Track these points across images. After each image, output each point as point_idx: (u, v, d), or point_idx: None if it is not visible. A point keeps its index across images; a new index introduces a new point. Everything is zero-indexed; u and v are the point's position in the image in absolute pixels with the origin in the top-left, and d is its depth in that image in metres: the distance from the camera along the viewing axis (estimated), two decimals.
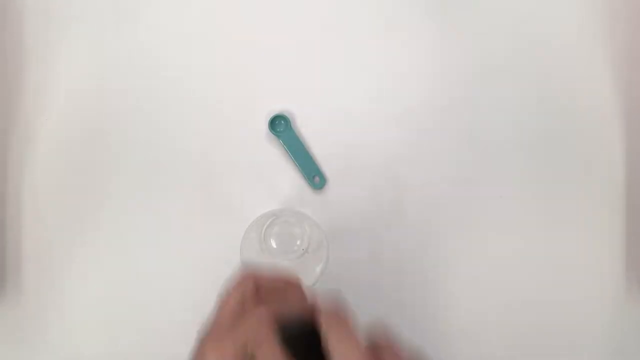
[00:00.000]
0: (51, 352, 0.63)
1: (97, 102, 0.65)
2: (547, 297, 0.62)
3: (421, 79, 0.66)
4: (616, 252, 0.64)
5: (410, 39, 0.66)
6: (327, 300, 0.35)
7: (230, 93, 0.65)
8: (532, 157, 0.65)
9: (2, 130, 0.64)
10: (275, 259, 0.50)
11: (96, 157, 0.64)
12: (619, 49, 0.66)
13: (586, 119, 0.66)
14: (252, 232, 0.54)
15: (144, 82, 0.65)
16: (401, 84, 0.66)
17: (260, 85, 0.65)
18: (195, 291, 0.57)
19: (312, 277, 0.56)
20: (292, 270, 0.42)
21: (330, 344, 0.31)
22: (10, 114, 0.64)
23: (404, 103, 0.65)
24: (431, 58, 0.66)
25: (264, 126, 0.64)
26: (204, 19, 0.66)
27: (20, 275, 0.63)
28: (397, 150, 0.65)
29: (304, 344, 0.33)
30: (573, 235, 0.64)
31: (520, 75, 0.66)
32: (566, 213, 0.65)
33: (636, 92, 0.66)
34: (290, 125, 0.63)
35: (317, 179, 0.63)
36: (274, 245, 0.52)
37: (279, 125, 0.63)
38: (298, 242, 0.52)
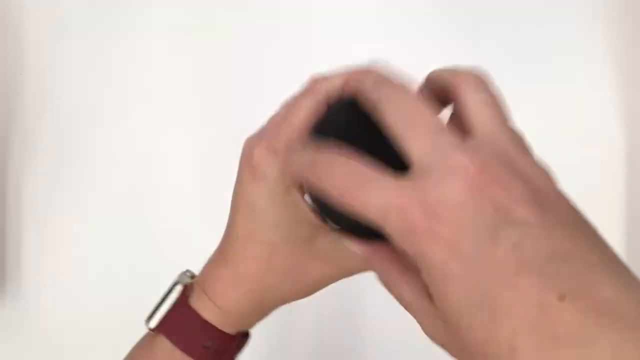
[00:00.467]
0: (50, 351, 0.63)
1: (97, 101, 0.65)
2: None
3: (423, 77, 0.66)
4: (616, 252, 0.64)
5: (411, 38, 0.66)
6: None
7: (230, 93, 0.65)
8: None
9: (2, 130, 0.64)
10: None
11: (96, 156, 0.64)
12: (619, 48, 0.66)
13: (586, 119, 0.66)
14: None
15: (145, 81, 0.65)
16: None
17: (260, 85, 0.65)
18: None
19: None
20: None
21: (465, 94, 0.26)
22: (10, 114, 0.64)
23: None
24: (432, 57, 0.66)
25: None
26: (204, 19, 0.66)
27: (20, 275, 0.63)
28: None
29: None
30: None
31: (520, 75, 0.66)
32: None
33: (636, 93, 0.66)
34: None
35: None
36: None
37: None
38: None
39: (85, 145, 0.64)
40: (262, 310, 0.33)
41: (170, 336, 0.32)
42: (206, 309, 0.32)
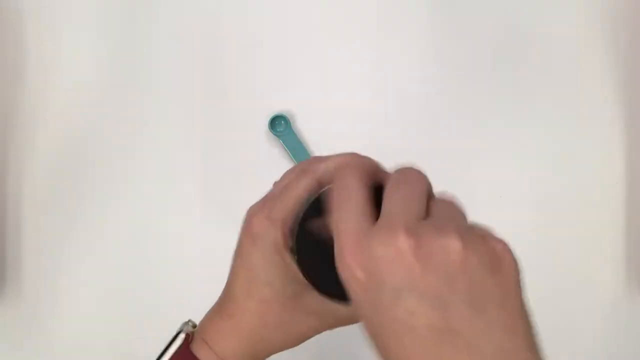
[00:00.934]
0: (50, 351, 0.63)
1: (97, 102, 0.65)
2: (547, 298, 0.62)
3: (422, 79, 0.66)
4: (616, 252, 0.64)
5: (410, 39, 0.66)
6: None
7: (230, 93, 0.65)
8: (532, 156, 0.65)
9: (2, 131, 0.64)
10: None
11: (96, 157, 0.64)
12: (619, 48, 0.66)
13: (586, 119, 0.66)
14: None
15: (144, 82, 0.65)
16: (402, 83, 0.66)
17: (260, 85, 0.65)
18: (193, 290, 0.57)
19: None
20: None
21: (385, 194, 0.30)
22: (10, 114, 0.64)
23: (406, 102, 0.65)
24: (432, 57, 0.66)
25: (264, 126, 0.64)
26: (203, 19, 0.66)
27: (20, 276, 0.63)
28: (398, 150, 0.64)
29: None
30: (573, 236, 0.64)
31: (520, 75, 0.66)
32: (566, 213, 0.65)
33: (636, 92, 0.66)
34: (290, 125, 0.63)
35: None
36: None
37: (279, 125, 0.63)
38: None
39: (85, 144, 0.64)
40: (255, 359, 0.37)
41: None
42: (206, 357, 0.36)
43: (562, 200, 0.65)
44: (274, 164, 0.64)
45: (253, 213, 0.36)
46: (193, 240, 0.63)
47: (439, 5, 0.66)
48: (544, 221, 0.64)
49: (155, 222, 0.63)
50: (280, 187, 0.36)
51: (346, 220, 0.28)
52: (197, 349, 0.36)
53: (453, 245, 0.26)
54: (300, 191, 0.35)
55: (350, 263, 0.26)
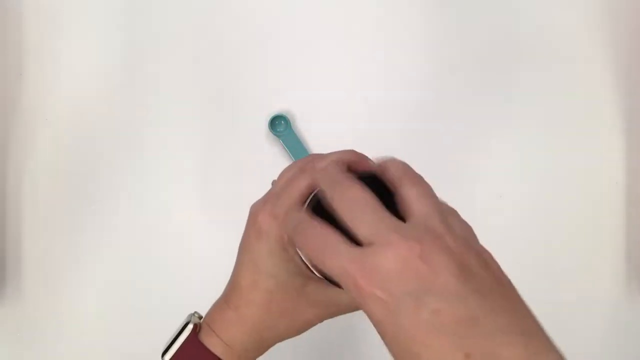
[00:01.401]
0: (50, 353, 0.63)
1: (97, 102, 0.65)
2: (547, 298, 0.62)
3: (422, 79, 0.66)
4: (616, 252, 0.64)
5: (410, 39, 0.66)
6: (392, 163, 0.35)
7: (230, 93, 0.65)
8: (532, 156, 0.65)
9: (2, 131, 0.64)
10: None
11: (96, 158, 0.64)
12: (619, 48, 0.66)
13: (586, 119, 0.66)
14: None
15: (144, 82, 0.65)
16: (402, 82, 0.66)
17: (260, 85, 0.65)
18: (195, 293, 0.57)
19: None
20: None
21: (404, 188, 0.32)
22: (10, 114, 0.64)
23: (405, 102, 0.65)
24: (432, 57, 0.66)
25: (264, 126, 0.64)
26: (204, 20, 0.66)
27: (20, 277, 0.63)
28: (398, 150, 0.64)
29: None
30: (573, 236, 0.64)
31: (521, 75, 0.66)
32: (566, 213, 0.65)
33: (636, 92, 0.66)
34: (290, 125, 0.63)
35: None
36: None
37: (279, 125, 0.63)
38: None
39: (85, 144, 0.64)
40: (261, 346, 0.39)
41: None
42: (214, 345, 0.38)
43: (562, 200, 0.65)
44: (274, 164, 0.64)
45: (257, 209, 0.38)
46: (193, 239, 0.63)
47: (439, 5, 0.66)
48: (544, 221, 0.64)
49: (155, 222, 0.63)
50: (282, 185, 0.38)
51: (338, 253, 0.29)
52: (205, 337, 0.38)
53: (450, 244, 0.29)
54: (301, 189, 0.36)
55: (369, 290, 0.28)
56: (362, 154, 0.39)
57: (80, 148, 0.64)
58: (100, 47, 0.65)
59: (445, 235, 0.29)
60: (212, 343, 0.38)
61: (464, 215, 0.67)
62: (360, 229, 0.30)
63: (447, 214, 0.31)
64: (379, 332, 0.29)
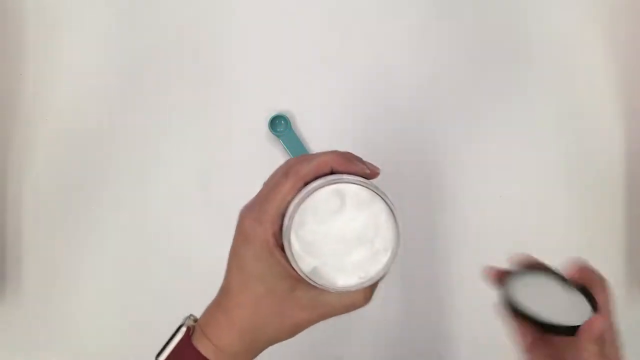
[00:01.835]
0: (50, 351, 0.63)
1: (96, 102, 0.65)
2: None
3: (421, 79, 0.66)
4: (616, 252, 0.64)
5: (409, 39, 0.66)
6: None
7: (230, 93, 0.65)
8: (531, 156, 0.65)
9: (2, 131, 0.64)
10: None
11: (96, 156, 0.64)
12: (620, 48, 0.66)
13: (586, 119, 0.66)
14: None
15: (145, 82, 0.65)
16: (401, 83, 0.66)
17: (260, 85, 0.65)
18: (195, 293, 0.57)
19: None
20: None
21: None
22: (10, 114, 0.64)
23: (405, 102, 0.65)
24: (432, 57, 0.66)
25: (264, 126, 0.64)
26: (204, 20, 0.66)
27: (20, 277, 0.63)
28: (397, 150, 0.64)
29: None
30: (573, 235, 0.64)
31: (521, 75, 0.66)
32: (566, 213, 0.65)
33: (636, 92, 0.66)
34: (290, 125, 0.63)
35: None
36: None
37: (279, 125, 0.63)
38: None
39: (85, 144, 0.64)
40: (252, 349, 0.39)
41: None
42: (206, 348, 0.38)
43: (562, 200, 0.65)
44: (274, 164, 0.63)
45: (244, 215, 0.38)
46: (194, 239, 0.63)
47: (437, 5, 0.66)
48: (543, 221, 0.64)
49: (155, 222, 0.63)
50: (267, 190, 0.38)
51: None
52: (198, 340, 0.39)
53: None
54: (286, 193, 0.37)
55: None
56: (349, 154, 0.38)
57: (80, 148, 0.64)
58: (100, 48, 0.65)
59: None
60: (203, 346, 0.38)
61: (465, 214, 0.67)
62: None
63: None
64: None
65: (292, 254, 0.35)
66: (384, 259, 0.36)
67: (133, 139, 0.64)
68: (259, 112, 0.64)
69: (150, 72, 0.65)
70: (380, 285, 0.55)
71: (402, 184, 0.63)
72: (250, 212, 0.38)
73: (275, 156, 0.64)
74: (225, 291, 0.39)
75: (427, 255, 0.63)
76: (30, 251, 0.63)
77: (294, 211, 0.35)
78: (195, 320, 0.41)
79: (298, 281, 0.37)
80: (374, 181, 0.38)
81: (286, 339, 0.39)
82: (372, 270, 0.36)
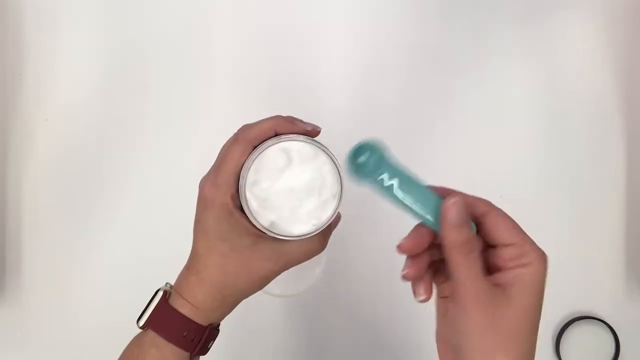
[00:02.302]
0: (50, 351, 0.63)
1: (96, 102, 0.65)
2: (547, 297, 0.62)
3: (420, 77, 0.66)
4: (616, 252, 0.64)
5: (411, 39, 0.66)
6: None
7: (230, 92, 0.65)
8: (531, 157, 0.65)
9: (2, 131, 0.64)
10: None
11: (96, 158, 0.64)
12: (620, 48, 0.66)
13: (586, 119, 0.66)
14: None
15: (145, 82, 0.65)
16: (401, 84, 0.66)
17: (260, 83, 0.65)
18: None
19: (308, 278, 0.55)
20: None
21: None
22: (10, 114, 0.64)
23: (404, 102, 0.65)
24: (431, 56, 0.66)
25: None
26: (203, 20, 0.66)
27: (20, 277, 0.63)
28: (397, 149, 0.64)
29: None
30: (573, 235, 0.64)
31: (521, 75, 0.66)
32: (566, 213, 0.65)
33: (636, 92, 0.66)
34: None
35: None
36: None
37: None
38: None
39: (85, 144, 0.64)
40: (225, 304, 0.42)
41: (156, 329, 0.41)
42: (182, 306, 0.41)
43: (561, 201, 0.65)
44: None
45: (203, 184, 0.41)
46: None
47: (438, 7, 0.66)
48: (543, 221, 0.64)
49: (155, 222, 0.64)
50: (221, 157, 0.41)
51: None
52: (174, 301, 0.42)
53: None
54: (238, 157, 0.40)
55: None
56: (291, 117, 0.42)
57: (80, 148, 0.64)
58: (99, 48, 0.65)
59: None
60: (180, 305, 0.41)
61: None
62: None
63: None
64: None
65: (250, 211, 0.38)
66: (332, 205, 0.39)
67: (133, 138, 0.64)
68: (258, 111, 0.64)
69: (151, 71, 0.65)
70: (373, 284, 0.55)
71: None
72: (208, 180, 0.41)
73: None
74: (193, 255, 0.42)
75: None
76: (30, 251, 0.63)
77: (247, 172, 0.39)
78: (171, 287, 0.44)
79: (259, 236, 0.40)
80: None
81: (256, 290, 0.42)
82: (323, 217, 0.39)
